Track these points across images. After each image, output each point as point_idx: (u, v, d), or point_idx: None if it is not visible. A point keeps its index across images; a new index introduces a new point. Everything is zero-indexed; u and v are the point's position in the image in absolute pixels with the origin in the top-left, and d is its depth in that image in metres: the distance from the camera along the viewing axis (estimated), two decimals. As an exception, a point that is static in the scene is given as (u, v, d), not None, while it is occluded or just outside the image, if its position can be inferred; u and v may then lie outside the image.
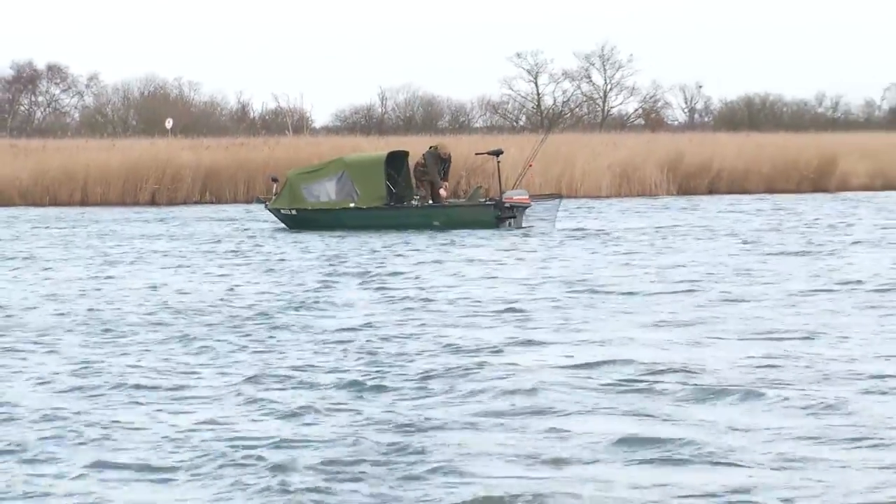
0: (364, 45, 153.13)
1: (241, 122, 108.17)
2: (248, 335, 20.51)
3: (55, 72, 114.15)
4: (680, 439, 13.18)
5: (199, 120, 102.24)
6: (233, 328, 21.37)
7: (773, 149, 71.04)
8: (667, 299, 24.51)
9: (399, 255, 34.04)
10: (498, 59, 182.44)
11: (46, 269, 31.57)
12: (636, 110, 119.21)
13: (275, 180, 45.23)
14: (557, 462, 12.65)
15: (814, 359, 17.56)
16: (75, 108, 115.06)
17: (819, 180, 67.18)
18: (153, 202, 60.97)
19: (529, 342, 19.58)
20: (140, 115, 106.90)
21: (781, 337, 19.65)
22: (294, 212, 42.91)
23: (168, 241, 40.00)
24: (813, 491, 11.05)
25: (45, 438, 13.64)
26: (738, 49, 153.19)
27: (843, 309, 22.74)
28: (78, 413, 14.83)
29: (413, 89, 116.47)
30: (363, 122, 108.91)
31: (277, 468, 12.38)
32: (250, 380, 16.73)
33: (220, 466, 12.58)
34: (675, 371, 16.86)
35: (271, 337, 20.38)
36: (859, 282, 26.62)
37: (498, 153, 44.06)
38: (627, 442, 13.14)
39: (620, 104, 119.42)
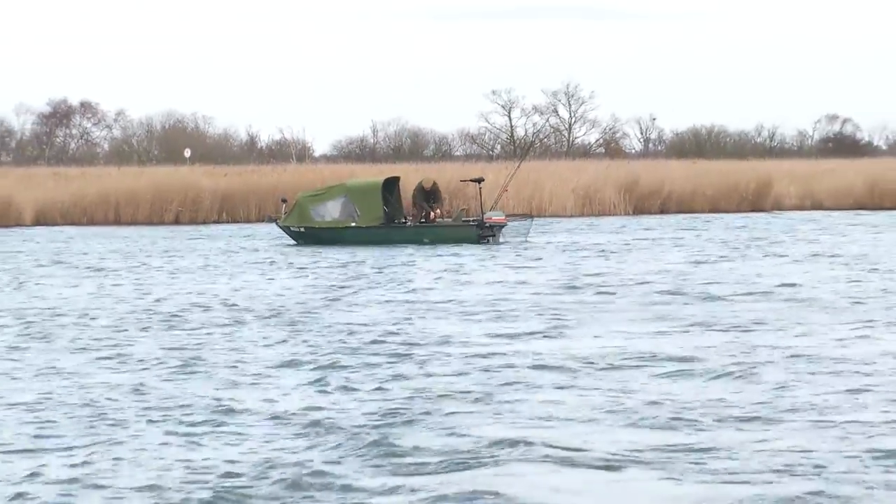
0: (358, 84, 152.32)
1: (251, 152, 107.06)
2: (278, 325, 21.39)
3: (87, 108, 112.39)
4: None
5: (214, 150, 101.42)
6: (265, 319, 22.31)
7: (716, 174, 70.15)
8: (619, 297, 25.53)
9: (395, 266, 34.29)
10: (476, 96, 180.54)
11: (124, 276, 32.23)
12: (597, 140, 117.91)
13: (284, 201, 45.07)
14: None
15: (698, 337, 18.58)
16: (105, 139, 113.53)
17: (756, 201, 66.21)
18: (177, 221, 60.17)
19: (507, 333, 20.53)
20: (161, 145, 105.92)
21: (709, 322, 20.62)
22: (302, 229, 42.80)
23: (200, 254, 40.25)
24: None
25: (170, 408, 14.62)
26: (688, 86, 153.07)
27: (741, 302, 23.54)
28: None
29: (401, 122, 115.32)
30: (357, 151, 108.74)
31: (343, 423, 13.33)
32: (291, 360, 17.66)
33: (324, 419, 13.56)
34: (641, 353, 17.83)
35: (294, 327, 21.29)
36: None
37: (480, 180, 44.18)
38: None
39: (583, 135, 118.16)
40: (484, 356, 18.17)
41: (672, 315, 22.82)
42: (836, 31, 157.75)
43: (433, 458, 12.11)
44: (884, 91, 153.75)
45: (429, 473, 11.59)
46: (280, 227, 44.03)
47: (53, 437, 13.15)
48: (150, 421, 13.89)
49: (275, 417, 14.03)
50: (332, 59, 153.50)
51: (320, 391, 15.62)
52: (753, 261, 34.97)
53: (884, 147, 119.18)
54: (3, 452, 12.50)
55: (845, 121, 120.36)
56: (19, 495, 10.92)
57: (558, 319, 22.36)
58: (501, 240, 42.57)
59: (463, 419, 13.78)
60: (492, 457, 12.12)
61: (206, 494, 10.90)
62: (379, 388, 15.70)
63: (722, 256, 36.51)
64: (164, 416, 14.15)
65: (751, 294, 26.09)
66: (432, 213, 42.74)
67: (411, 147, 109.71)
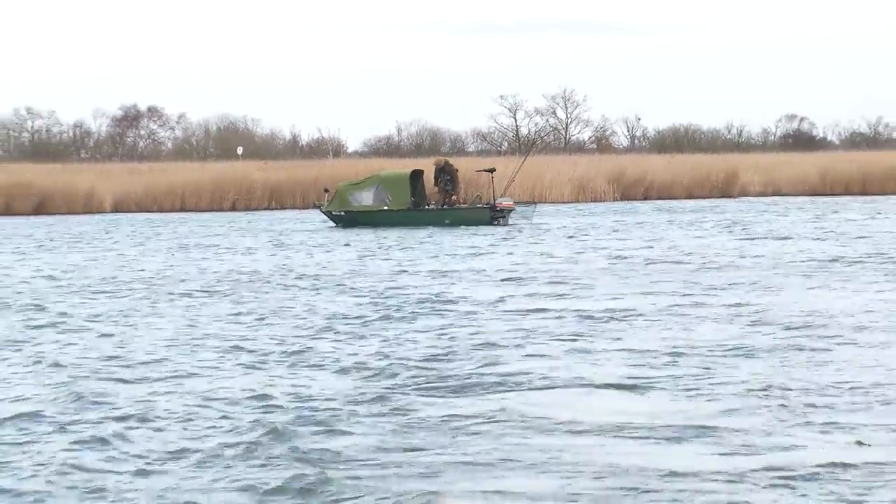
0: (384, 89, 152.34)
1: (294, 149, 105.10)
2: (332, 289, 22.15)
3: (153, 112, 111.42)
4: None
5: (262, 147, 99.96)
6: (320, 284, 22.97)
7: (691, 165, 70.19)
8: (609, 269, 26.01)
9: (420, 243, 34.64)
10: (486, 100, 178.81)
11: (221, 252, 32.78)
12: (590, 138, 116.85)
13: (326, 191, 45.52)
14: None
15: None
16: (168, 139, 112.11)
17: (725, 189, 66.46)
18: (233, 208, 60.29)
19: (518, 295, 21.19)
20: (217, 144, 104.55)
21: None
22: (343, 213, 43.26)
23: (259, 234, 40.68)
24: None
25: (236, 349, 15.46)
26: (668, 90, 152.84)
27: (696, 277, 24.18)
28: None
29: (422, 122, 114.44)
30: (384, 148, 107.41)
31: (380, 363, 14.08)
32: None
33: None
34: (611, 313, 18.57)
35: (342, 288, 21.98)
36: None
37: (492, 170, 44.39)
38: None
39: (578, 133, 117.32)
40: (506, 311, 18.90)
41: (654, 278, 23.49)
42: (795, 41, 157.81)
43: (475, 385, 12.96)
44: (836, 93, 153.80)
45: (471, 395, 12.40)
46: (323, 212, 44.50)
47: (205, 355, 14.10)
48: (239, 357, 14.70)
49: (344, 357, 14.73)
50: (362, 67, 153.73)
51: (376, 337, 16.30)
52: (718, 237, 35.52)
53: (836, 142, 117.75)
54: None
55: (802, 119, 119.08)
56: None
57: (561, 283, 23.00)
58: (510, 221, 42.87)
59: (496, 357, 14.55)
60: (520, 383, 13.01)
61: (287, 417, 11.46)
62: (423, 334, 16.39)
63: (697, 236, 36.87)
64: (257, 356, 15.00)
65: (718, 264, 26.75)
66: (452, 198, 43.12)
67: (430, 144, 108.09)
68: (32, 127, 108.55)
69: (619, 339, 15.89)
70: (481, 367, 14.05)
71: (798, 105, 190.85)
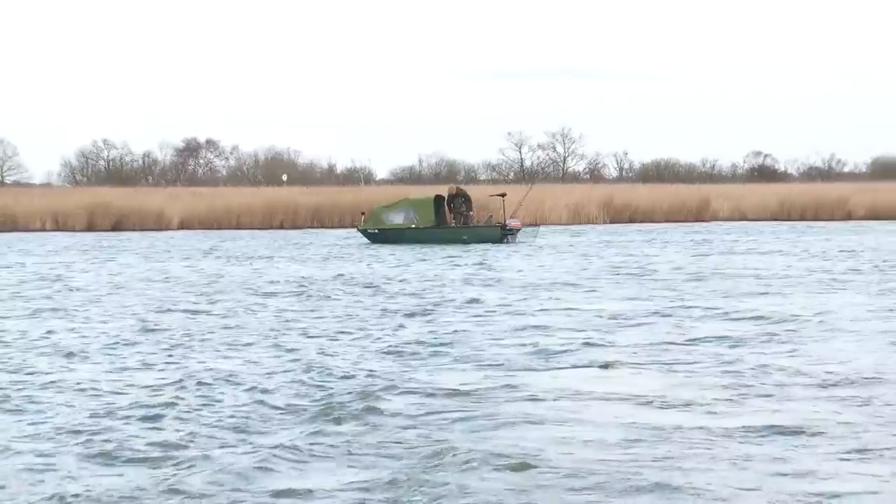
0: (408, 125, 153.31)
1: (330, 176, 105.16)
2: (371, 291, 22.88)
3: (211, 144, 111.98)
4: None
5: (303, 175, 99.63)
6: (362, 287, 23.64)
7: (670, 194, 70.04)
8: (601, 286, 26.36)
9: (443, 257, 34.83)
10: (495, 136, 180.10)
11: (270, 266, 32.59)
12: (584, 169, 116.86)
13: (363, 213, 45.66)
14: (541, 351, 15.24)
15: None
16: (223, 167, 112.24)
17: (699, 214, 66.42)
18: (281, 227, 60.10)
19: (526, 297, 21.86)
20: (264, 172, 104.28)
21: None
22: (377, 231, 43.35)
23: (306, 249, 40.79)
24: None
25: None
26: (651, 129, 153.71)
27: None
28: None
29: (440, 154, 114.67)
30: (408, 176, 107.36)
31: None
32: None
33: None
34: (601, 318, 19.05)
35: (379, 289, 22.64)
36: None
37: (503, 195, 44.72)
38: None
39: (574, 165, 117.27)
40: (516, 310, 19.59)
41: (640, 284, 24.08)
42: (761, 89, 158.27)
43: (491, 360, 13.81)
44: (796, 133, 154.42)
45: (489, 368, 13.25)
46: (359, 231, 44.62)
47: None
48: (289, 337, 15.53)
49: (389, 338, 15.72)
50: (389, 106, 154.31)
51: (408, 327, 17.11)
52: (683, 254, 35.71)
53: (795, 175, 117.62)
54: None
55: (766, 155, 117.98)
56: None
57: (559, 289, 23.44)
58: (518, 239, 43.14)
59: (511, 341, 15.40)
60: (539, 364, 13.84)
61: (346, 385, 12.32)
62: (446, 324, 17.16)
63: (677, 251, 37.25)
64: (314, 336, 15.94)
65: (686, 272, 27.41)
66: (467, 218, 43.24)
67: (448, 173, 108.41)
68: (108, 156, 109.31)
69: (609, 333, 16.53)
70: (496, 346, 14.96)
71: (763, 143, 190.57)
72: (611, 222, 62.84)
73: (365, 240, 44.39)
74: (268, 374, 13.16)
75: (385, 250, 39.12)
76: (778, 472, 8.63)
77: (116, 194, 65.69)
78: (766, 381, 12.40)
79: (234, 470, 8.72)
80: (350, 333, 16.72)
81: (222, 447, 9.58)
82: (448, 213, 43.72)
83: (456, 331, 16.80)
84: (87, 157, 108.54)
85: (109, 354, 14.86)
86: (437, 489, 8.19)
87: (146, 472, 8.73)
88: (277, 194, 66.13)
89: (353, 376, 12.93)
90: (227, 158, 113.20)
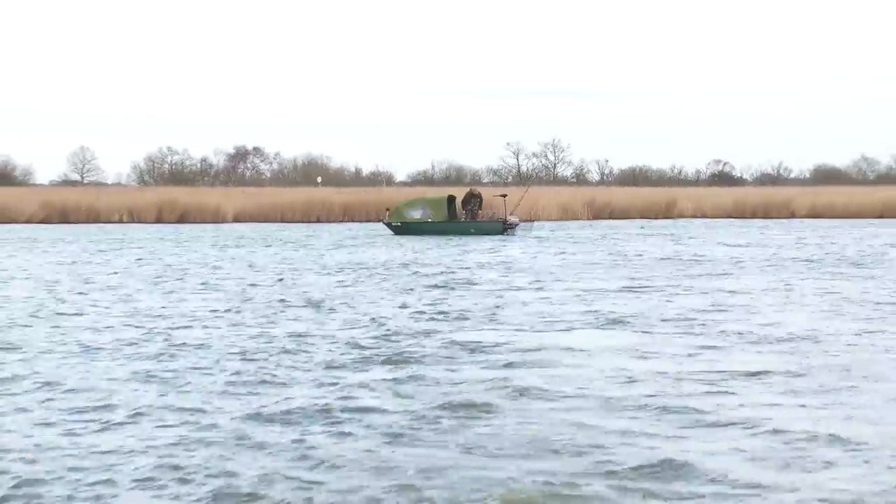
0: (422, 135, 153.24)
1: (357, 178, 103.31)
2: (391, 278, 22.71)
3: (257, 151, 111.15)
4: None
5: (334, 177, 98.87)
6: (386, 273, 23.66)
7: (643, 195, 69.63)
8: (587, 268, 26.03)
9: (455, 245, 34.76)
10: (496, 145, 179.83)
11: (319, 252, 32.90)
12: (571, 174, 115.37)
13: (387, 209, 45.33)
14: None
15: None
16: (267, 171, 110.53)
17: (667, 212, 65.74)
18: (317, 221, 59.42)
19: (521, 279, 21.82)
20: (302, 174, 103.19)
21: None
22: (399, 224, 43.06)
23: (341, 239, 40.46)
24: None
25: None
26: (628, 139, 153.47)
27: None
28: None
29: (450, 160, 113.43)
30: (422, 179, 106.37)
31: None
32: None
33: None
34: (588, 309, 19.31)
35: (401, 273, 22.61)
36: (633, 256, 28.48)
37: (504, 195, 44.83)
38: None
39: (562, 170, 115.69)
40: (518, 289, 19.67)
41: (615, 267, 24.24)
42: (722, 105, 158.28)
43: (503, 341, 14.11)
44: (751, 144, 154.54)
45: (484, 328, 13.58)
46: (384, 224, 44.35)
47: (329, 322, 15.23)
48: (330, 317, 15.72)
49: (413, 304, 15.85)
50: (407, 119, 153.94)
51: (431, 307, 16.96)
52: (652, 244, 35.48)
53: (749, 180, 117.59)
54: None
55: (725, 163, 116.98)
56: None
57: (552, 274, 23.39)
58: (517, 233, 43.09)
59: (522, 323, 15.47)
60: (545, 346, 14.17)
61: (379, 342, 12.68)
62: (459, 300, 17.29)
63: (648, 242, 37.12)
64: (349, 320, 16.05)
65: (654, 258, 27.48)
66: (475, 214, 43.13)
67: (456, 176, 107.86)
68: (171, 160, 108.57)
69: (592, 309, 16.57)
70: (507, 331, 15.20)
71: (722, 152, 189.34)
72: (593, 218, 62.72)
73: (389, 231, 44.16)
74: (349, 327, 13.88)
75: (407, 240, 38.97)
76: (730, 407, 9.09)
77: (180, 193, 65.19)
78: (725, 341, 12.79)
79: (320, 397, 9.61)
80: (397, 299, 17.18)
81: (314, 382, 10.40)
82: (461, 209, 43.57)
83: (461, 303, 16.96)
84: (153, 161, 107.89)
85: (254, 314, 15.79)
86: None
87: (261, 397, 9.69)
88: (314, 193, 65.76)
89: (402, 331, 13.41)
90: (270, 163, 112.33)
